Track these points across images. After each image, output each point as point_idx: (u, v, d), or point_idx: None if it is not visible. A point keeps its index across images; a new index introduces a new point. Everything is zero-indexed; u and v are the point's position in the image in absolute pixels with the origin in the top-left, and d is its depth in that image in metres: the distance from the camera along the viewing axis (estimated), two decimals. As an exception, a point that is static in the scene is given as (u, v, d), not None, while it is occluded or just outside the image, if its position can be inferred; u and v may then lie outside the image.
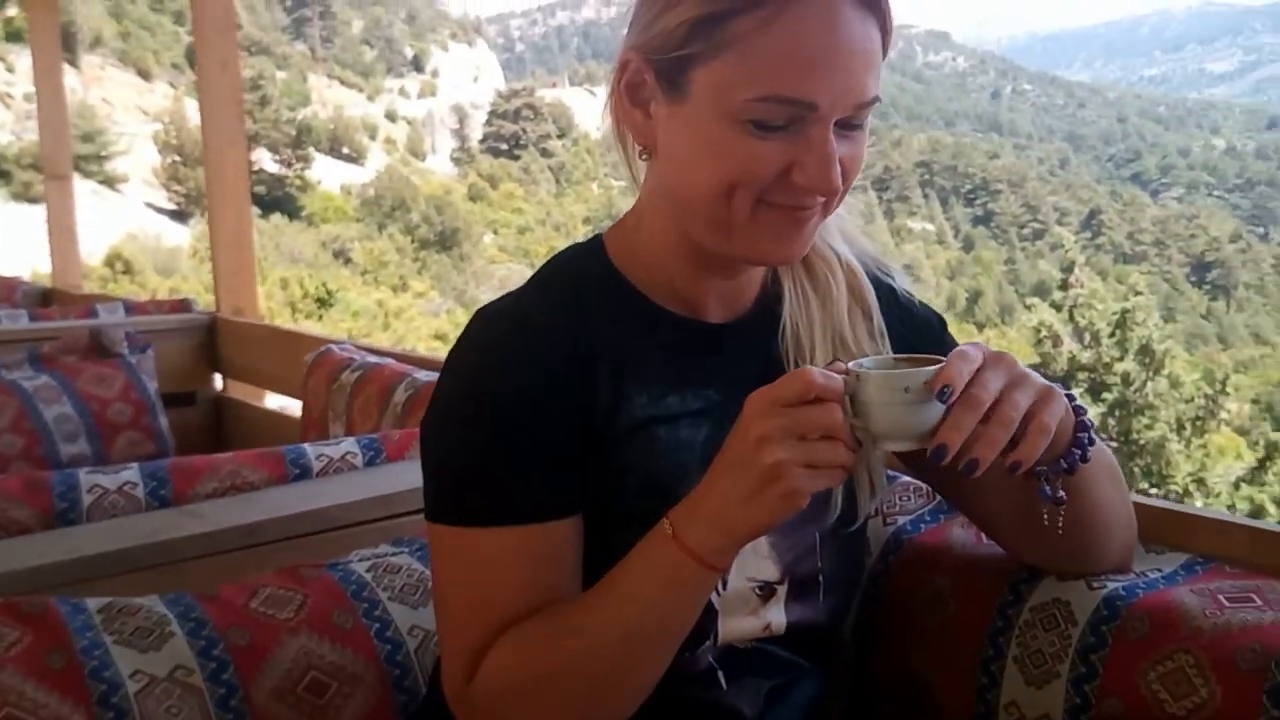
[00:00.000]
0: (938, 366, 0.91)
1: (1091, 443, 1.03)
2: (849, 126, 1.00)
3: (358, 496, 1.64)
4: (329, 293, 39.12)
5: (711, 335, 1.11)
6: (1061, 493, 1.02)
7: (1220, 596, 1.14)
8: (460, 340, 1.08)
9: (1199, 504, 17.45)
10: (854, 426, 0.91)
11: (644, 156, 1.08)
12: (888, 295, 1.19)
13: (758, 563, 1.09)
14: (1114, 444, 17.60)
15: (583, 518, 1.04)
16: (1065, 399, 0.99)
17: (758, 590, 1.10)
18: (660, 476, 1.05)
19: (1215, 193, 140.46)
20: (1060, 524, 1.02)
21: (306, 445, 1.81)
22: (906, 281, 1.23)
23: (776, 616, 1.11)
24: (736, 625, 1.09)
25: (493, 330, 1.06)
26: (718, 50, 0.96)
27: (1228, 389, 19.63)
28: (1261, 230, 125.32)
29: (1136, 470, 17.27)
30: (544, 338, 1.04)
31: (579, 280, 1.10)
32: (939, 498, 1.37)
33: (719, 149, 0.98)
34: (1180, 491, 17.32)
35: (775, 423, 0.89)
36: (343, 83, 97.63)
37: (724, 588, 1.08)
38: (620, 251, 1.12)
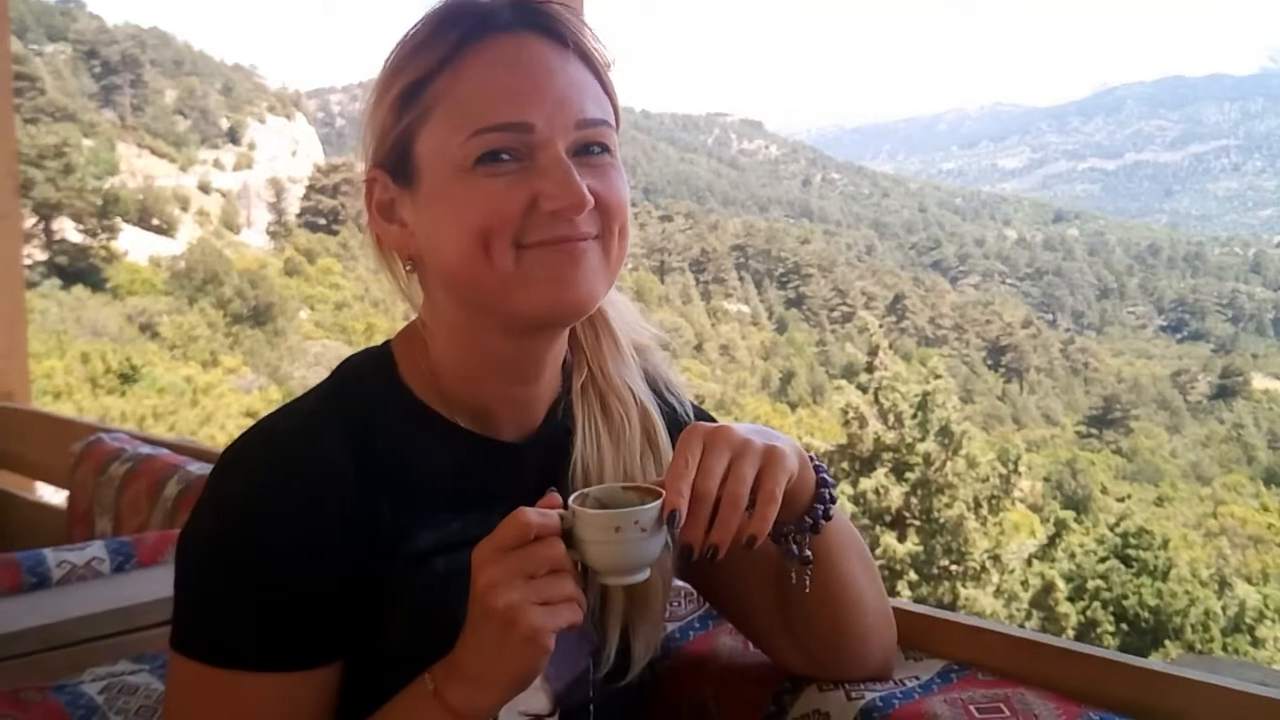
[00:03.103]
0: (654, 505, 0.92)
1: (833, 499, 1.05)
2: (587, 153, 1.01)
3: (97, 609, 1.54)
4: (133, 368, 37.45)
5: (503, 453, 1.09)
6: (808, 552, 1.03)
7: (971, 707, 1.15)
8: (237, 458, 1.02)
9: (995, 579, 18.24)
10: (575, 560, 0.93)
11: (409, 269, 1.06)
12: (670, 419, 1.17)
13: (529, 695, 1.04)
14: (916, 522, 18.25)
15: (348, 660, 1.00)
16: (798, 456, 1.00)
17: None
18: (436, 615, 1.00)
19: (1008, 281, 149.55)
20: (809, 583, 1.04)
21: (48, 551, 1.70)
22: (690, 397, 1.22)
23: None
24: None
25: (272, 465, 1.00)
26: (426, 114, 0.99)
27: (1020, 468, 20.65)
28: (1050, 317, 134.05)
29: (938, 548, 17.90)
30: (324, 483, 0.98)
31: (367, 402, 1.05)
32: (708, 603, 1.36)
33: (459, 204, 0.98)
34: (978, 568, 18.03)
35: (501, 567, 0.90)
36: (154, 152, 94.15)
37: None
38: (409, 365, 1.08)
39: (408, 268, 1.06)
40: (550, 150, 0.98)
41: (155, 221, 78.82)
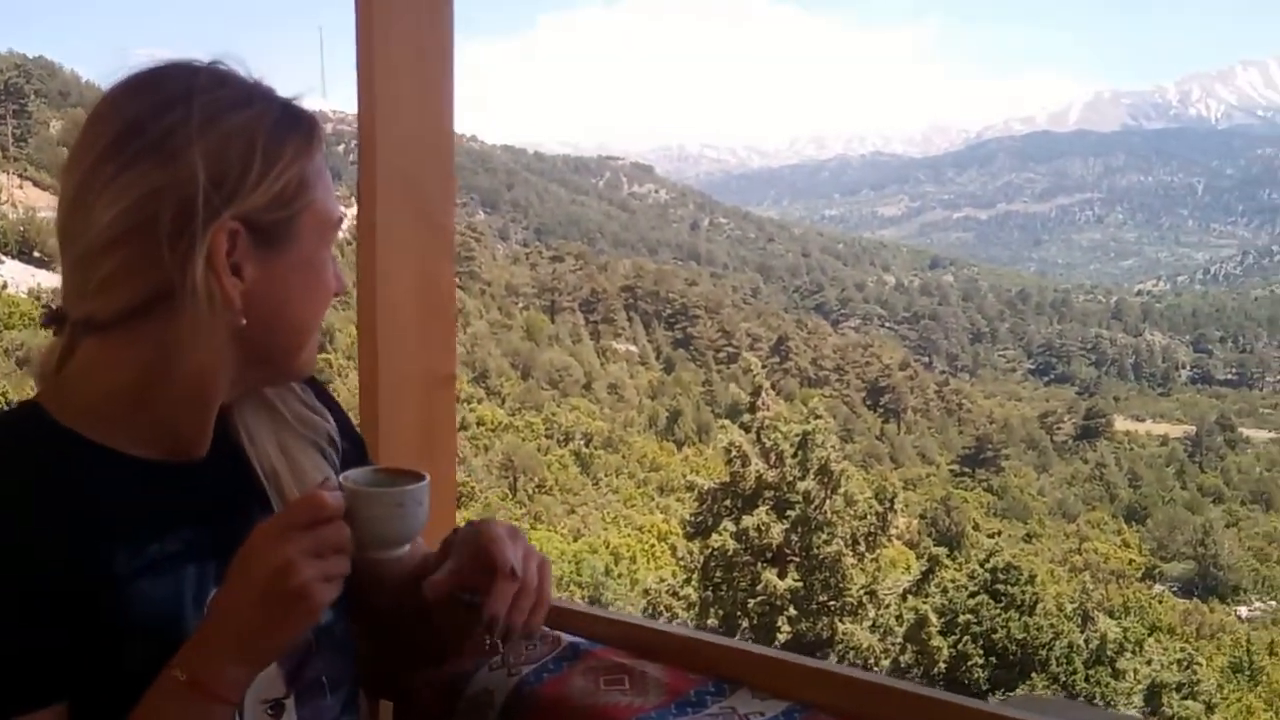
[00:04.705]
0: (426, 483, 1.05)
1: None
2: None
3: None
4: (7, 404, 35.99)
5: (184, 473, 1.12)
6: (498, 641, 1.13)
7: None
8: None
9: (871, 614, 18.79)
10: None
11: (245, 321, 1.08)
12: (316, 387, 1.31)
13: (265, 682, 1.09)
14: (796, 559, 18.71)
15: (74, 699, 1.01)
16: None
17: (269, 710, 1.11)
18: (152, 630, 1.03)
19: (887, 324, 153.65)
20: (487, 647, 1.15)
21: None
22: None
23: None
24: None
25: None
26: (314, 199, 1.10)
27: (896, 506, 21.31)
28: (926, 359, 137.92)
29: (817, 584, 18.36)
30: (8, 528, 0.99)
31: (24, 452, 1.05)
32: (563, 644, 1.48)
33: (325, 279, 1.12)
34: (855, 604, 18.55)
35: (297, 546, 0.96)
36: (36, 184, 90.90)
37: (240, 717, 1.07)
38: (70, 410, 1.08)
39: (242, 320, 1.06)
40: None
41: (36, 254, 76.02)
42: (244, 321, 1.06)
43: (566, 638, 1.49)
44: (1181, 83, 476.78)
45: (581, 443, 58.54)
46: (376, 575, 1.19)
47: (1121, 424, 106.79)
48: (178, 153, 1.02)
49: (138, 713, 0.98)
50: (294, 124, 1.09)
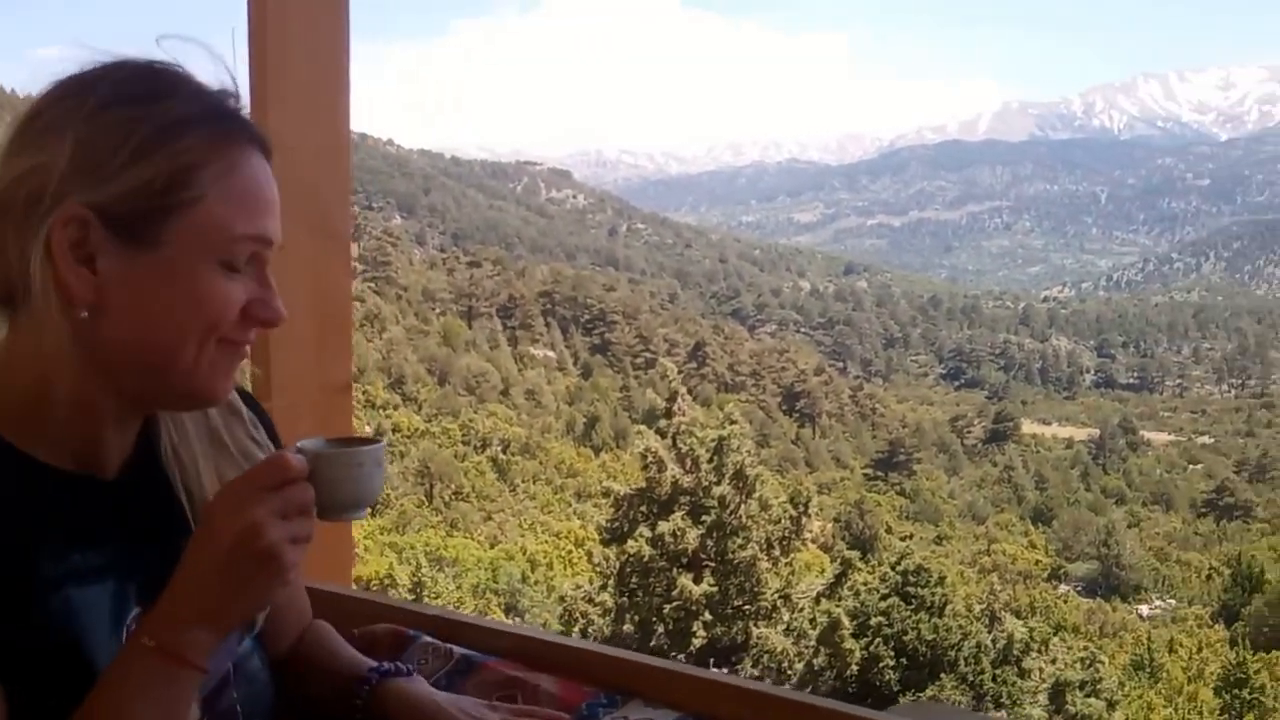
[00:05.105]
0: (383, 444, 1.08)
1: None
2: None
3: None
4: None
5: (108, 489, 1.09)
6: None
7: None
8: None
9: (785, 618, 18.97)
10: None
11: (85, 314, 1.01)
12: (268, 422, 1.29)
13: None
14: (712, 563, 18.81)
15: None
16: None
17: None
18: (66, 644, 1.00)
19: (802, 330, 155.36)
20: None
21: None
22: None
23: None
24: None
25: None
26: (196, 199, 1.01)
27: (810, 510, 21.54)
28: (841, 364, 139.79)
29: (732, 588, 18.48)
30: None
31: None
32: (455, 657, 1.47)
33: (201, 293, 1.02)
34: (769, 607, 18.72)
35: (265, 508, 0.96)
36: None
37: None
38: None
39: (83, 314, 1.00)
40: (267, 267, 1.07)
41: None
42: (85, 314, 1.00)
43: (459, 651, 1.48)
44: (1086, 94, 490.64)
45: (499, 449, 58.15)
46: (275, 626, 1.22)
47: (1029, 427, 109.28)
48: (54, 138, 0.99)
49: (103, 683, 0.97)
50: (209, 125, 1.03)
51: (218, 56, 1.07)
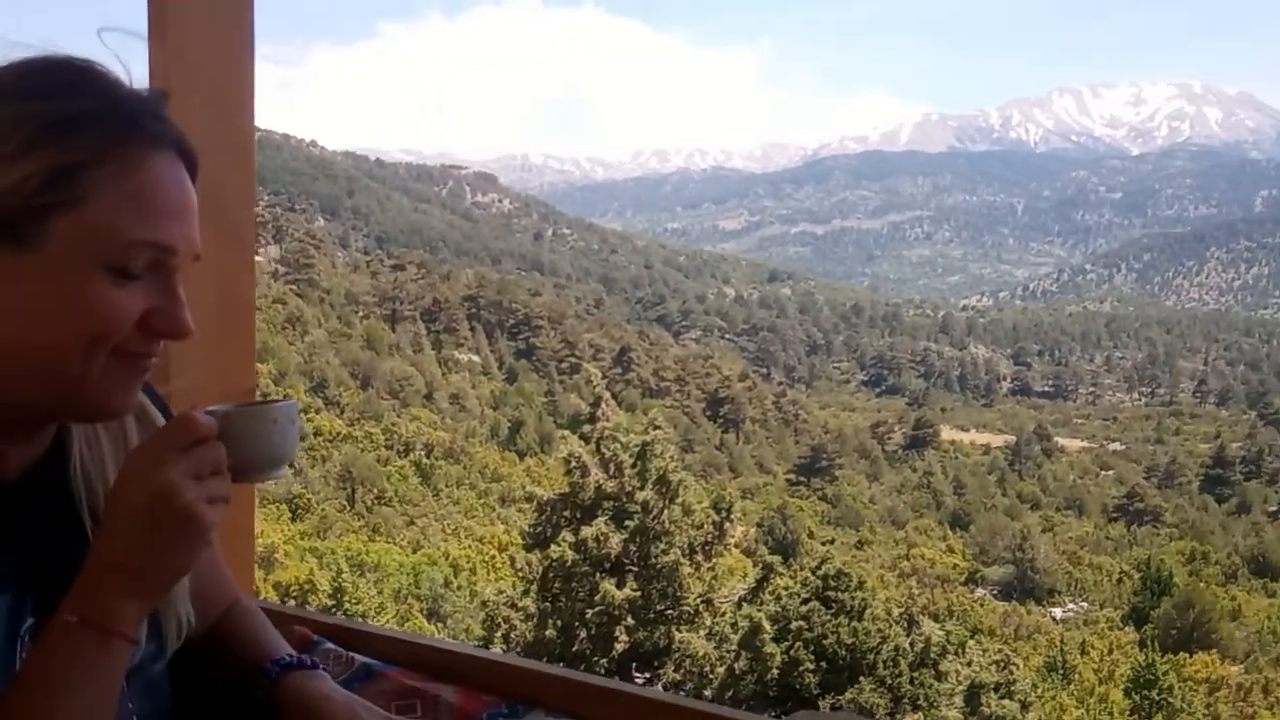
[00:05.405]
0: (292, 400, 1.06)
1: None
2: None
3: None
4: None
5: (4, 499, 1.04)
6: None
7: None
8: None
9: (708, 622, 19.04)
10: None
11: None
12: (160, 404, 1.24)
13: None
14: (635, 568, 18.81)
15: None
16: None
17: None
18: None
19: (726, 336, 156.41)
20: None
21: None
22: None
23: None
24: None
25: None
26: (80, 200, 0.95)
27: (733, 515, 21.64)
28: (765, 371, 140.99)
29: (654, 593, 18.48)
30: None
31: None
32: (356, 665, 1.45)
33: (84, 300, 0.96)
34: (692, 612, 18.77)
35: (177, 469, 0.94)
36: None
37: None
38: None
39: None
40: (174, 275, 1.01)
41: None
42: None
43: (359, 659, 1.45)
44: (1003, 108, 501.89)
45: (422, 453, 57.68)
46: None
47: (947, 434, 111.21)
48: None
49: (27, 668, 0.95)
50: (108, 123, 0.98)
51: (114, 54, 1.02)
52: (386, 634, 1.53)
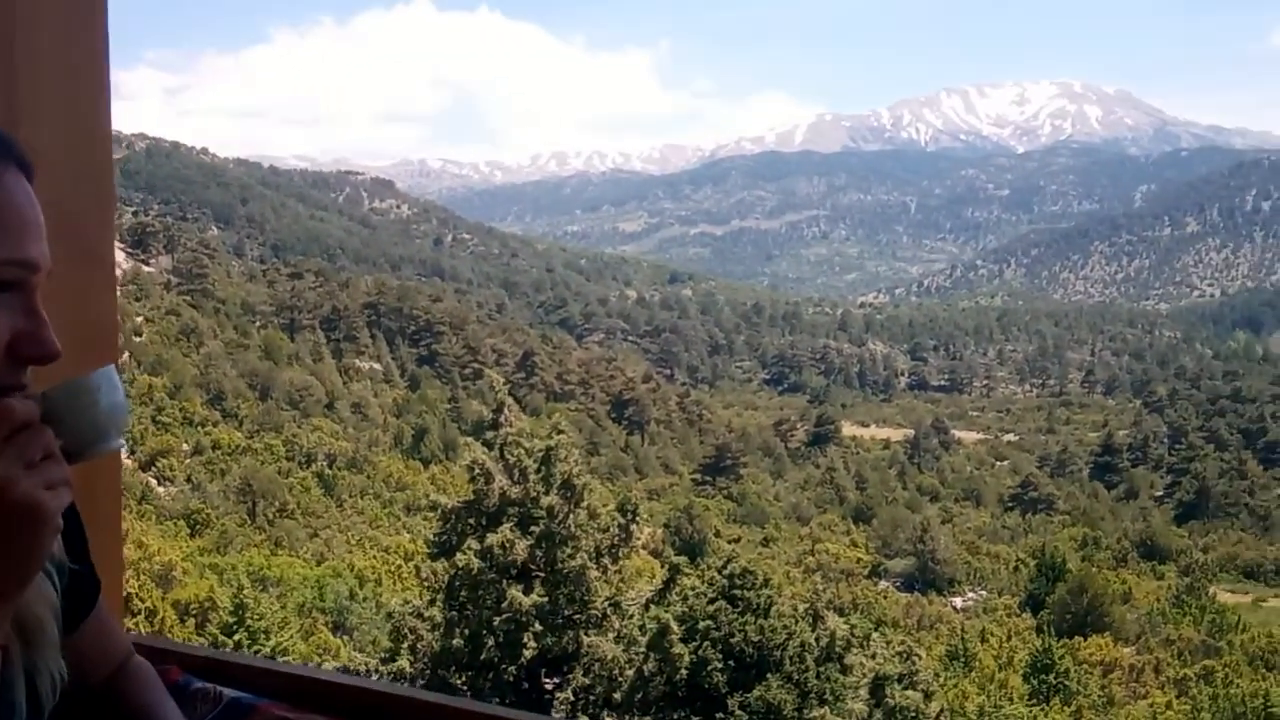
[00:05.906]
0: (109, 365, 1.01)
1: None
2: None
3: None
4: None
5: None
6: None
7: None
8: None
9: (616, 625, 19.04)
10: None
11: None
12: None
13: None
14: (541, 574, 18.72)
15: None
16: None
17: None
18: None
19: (630, 338, 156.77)
20: None
21: None
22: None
23: None
24: None
25: None
26: None
27: (639, 517, 21.67)
28: (668, 372, 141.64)
29: (561, 598, 18.42)
30: None
31: None
32: (225, 701, 1.38)
33: None
34: (599, 616, 18.73)
35: (4, 460, 0.88)
36: None
37: None
38: None
39: None
40: (34, 297, 0.96)
41: None
42: None
43: (229, 694, 1.39)
44: (894, 108, 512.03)
45: (324, 464, 56.70)
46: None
47: (849, 429, 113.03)
48: None
49: None
50: None
51: None
52: (260, 665, 1.50)
